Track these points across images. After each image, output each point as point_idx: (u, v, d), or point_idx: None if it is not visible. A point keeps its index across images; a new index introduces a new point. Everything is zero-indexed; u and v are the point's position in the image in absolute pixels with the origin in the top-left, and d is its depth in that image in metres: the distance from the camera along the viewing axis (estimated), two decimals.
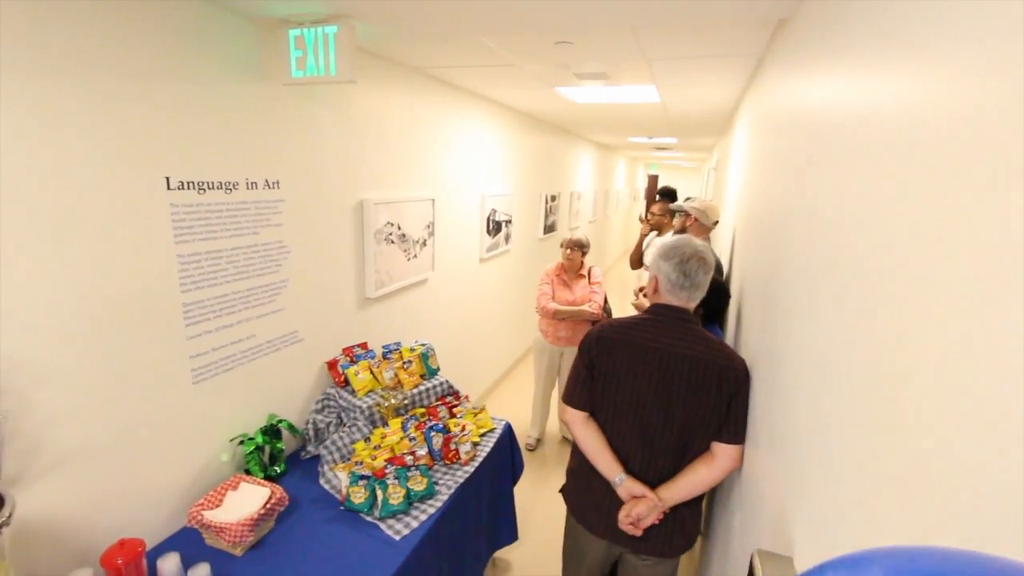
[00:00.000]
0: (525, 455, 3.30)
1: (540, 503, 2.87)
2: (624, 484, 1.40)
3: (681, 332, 1.39)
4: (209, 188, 1.55)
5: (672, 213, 3.82)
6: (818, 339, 0.84)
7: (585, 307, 3.03)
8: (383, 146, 2.39)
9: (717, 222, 2.59)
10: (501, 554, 2.45)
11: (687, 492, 1.39)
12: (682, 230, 2.64)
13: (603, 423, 1.47)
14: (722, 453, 1.36)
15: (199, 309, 1.56)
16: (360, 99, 2.18)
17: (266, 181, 1.75)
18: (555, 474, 3.17)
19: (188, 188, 1.48)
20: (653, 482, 1.41)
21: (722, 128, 4.65)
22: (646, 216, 4.46)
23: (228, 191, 1.61)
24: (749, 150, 2.31)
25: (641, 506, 1.38)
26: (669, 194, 5.05)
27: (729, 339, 2.07)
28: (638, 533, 1.40)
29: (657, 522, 1.40)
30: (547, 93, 3.10)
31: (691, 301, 1.43)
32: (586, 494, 1.52)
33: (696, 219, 2.56)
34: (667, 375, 1.36)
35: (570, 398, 1.49)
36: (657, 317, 1.43)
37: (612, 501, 1.45)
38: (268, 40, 1.67)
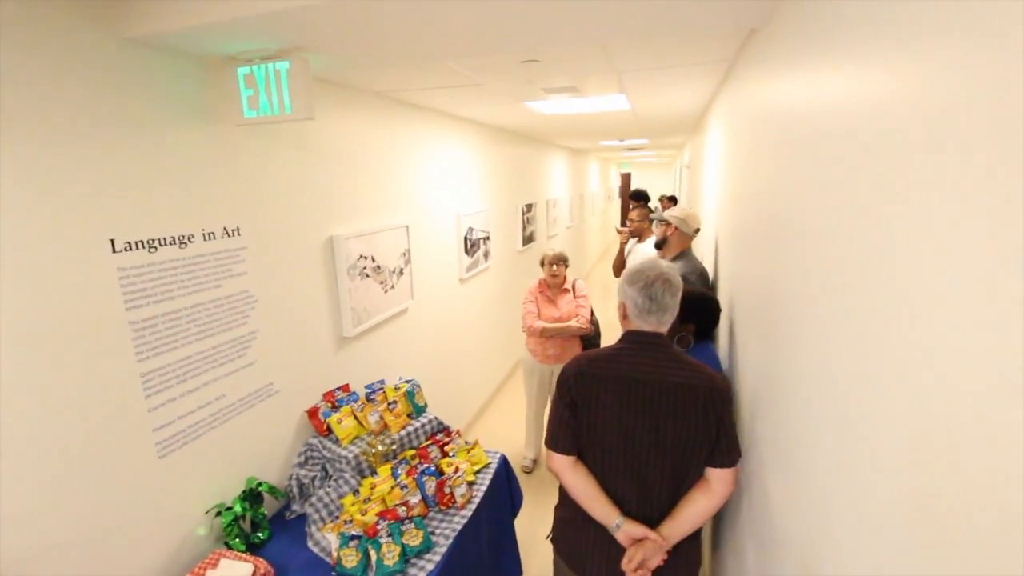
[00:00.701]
0: (522, 478, 3.21)
1: (542, 529, 2.77)
2: (623, 528, 1.32)
3: (659, 358, 1.33)
4: (161, 245, 1.42)
5: (651, 219, 3.79)
6: (842, 351, 0.77)
7: (572, 323, 2.96)
8: (350, 176, 2.28)
9: (698, 230, 2.54)
10: None
11: (691, 526, 1.33)
12: (663, 239, 2.58)
13: (592, 464, 1.38)
14: (717, 479, 1.32)
15: (159, 377, 1.43)
16: (321, 130, 2.07)
17: (225, 229, 1.63)
18: (554, 496, 3.08)
19: (137, 248, 1.36)
20: (651, 519, 1.34)
21: (693, 127, 4.64)
22: (623, 223, 4.44)
23: (183, 246, 1.49)
24: (729, 151, 2.26)
25: (648, 548, 1.29)
26: (641, 196, 5.04)
27: (723, 356, 2.01)
28: None
29: (662, 562, 1.32)
30: (516, 108, 3.03)
31: (661, 325, 1.36)
32: (581, 541, 1.42)
33: (676, 228, 2.51)
34: (653, 405, 1.30)
35: (555, 443, 1.39)
36: (632, 345, 1.36)
37: (612, 545, 1.36)
38: (216, 80, 1.56)
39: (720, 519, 1.82)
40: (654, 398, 1.30)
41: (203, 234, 1.55)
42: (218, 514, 1.61)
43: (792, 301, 1.05)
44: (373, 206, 2.48)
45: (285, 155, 1.88)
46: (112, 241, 1.30)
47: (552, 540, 1.55)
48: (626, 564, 1.31)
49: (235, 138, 1.65)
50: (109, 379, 1.30)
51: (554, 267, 2.99)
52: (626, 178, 15.56)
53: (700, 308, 1.81)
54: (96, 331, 1.27)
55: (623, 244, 3.86)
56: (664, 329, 1.37)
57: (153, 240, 1.40)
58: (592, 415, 1.35)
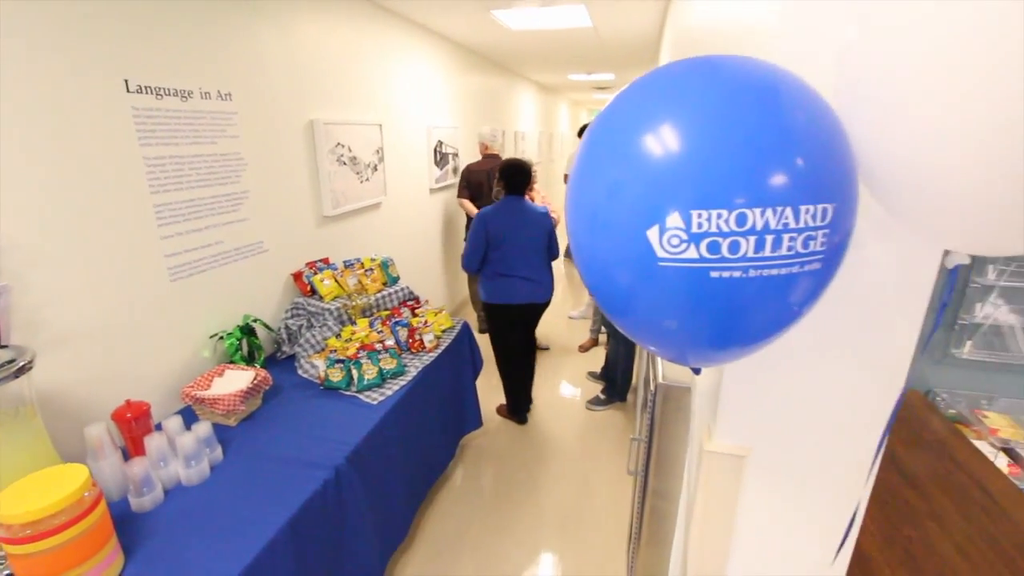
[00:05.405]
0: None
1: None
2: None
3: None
4: (165, 94, 1.63)
5: None
6: None
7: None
8: (328, 70, 2.47)
9: None
10: (467, 440, 2.74)
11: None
12: None
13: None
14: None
15: (169, 211, 1.68)
16: (303, 19, 2.25)
17: (219, 92, 1.84)
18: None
19: (146, 92, 1.57)
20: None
21: (651, 59, 4.87)
22: None
23: (184, 99, 1.70)
24: None
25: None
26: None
27: None
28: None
29: None
30: (483, 18, 3.20)
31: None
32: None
33: None
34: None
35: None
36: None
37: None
38: None
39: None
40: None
41: (200, 92, 1.76)
42: (220, 338, 1.90)
43: None
44: (350, 100, 2.68)
45: (269, 34, 2.07)
46: (126, 81, 1.51)
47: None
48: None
49: (224, 8, 1.84)
50: (130, 201, 1.55)
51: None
52: None
53: (505, 172, 2.58)
54: (118, 157, 1.50)
55: None
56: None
57: (159, 88, 1.61)
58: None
